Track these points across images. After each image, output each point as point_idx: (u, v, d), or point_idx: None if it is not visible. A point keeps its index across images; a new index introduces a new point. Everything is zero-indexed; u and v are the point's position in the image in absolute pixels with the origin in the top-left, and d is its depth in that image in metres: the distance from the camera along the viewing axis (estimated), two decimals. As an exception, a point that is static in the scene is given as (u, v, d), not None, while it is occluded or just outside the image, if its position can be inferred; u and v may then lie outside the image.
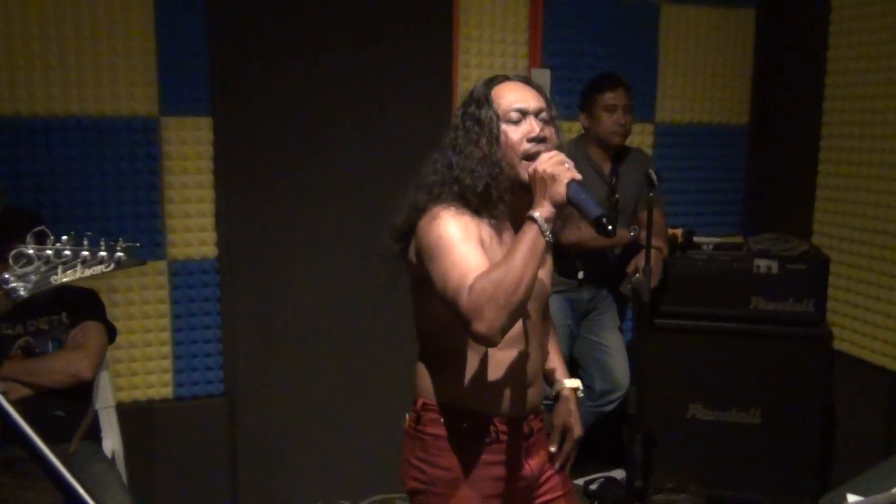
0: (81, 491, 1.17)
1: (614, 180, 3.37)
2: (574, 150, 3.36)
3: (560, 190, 1.60)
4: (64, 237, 1.43)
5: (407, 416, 1.89)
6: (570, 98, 3.62)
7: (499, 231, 1.76)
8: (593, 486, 3.53)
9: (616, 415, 3.53)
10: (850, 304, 3.57)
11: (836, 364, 3.55)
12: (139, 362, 3.22)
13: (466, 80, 3.55)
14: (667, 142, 3.96)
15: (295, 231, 3.37)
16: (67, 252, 1.41)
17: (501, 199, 1.73)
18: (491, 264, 1.61)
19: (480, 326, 1.53)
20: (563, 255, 2.88)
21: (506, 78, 1.81)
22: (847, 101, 3.59)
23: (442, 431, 1.79)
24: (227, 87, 3.20)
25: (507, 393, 1.79)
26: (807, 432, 3.26)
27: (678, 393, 3.37)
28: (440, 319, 1.74)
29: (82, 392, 2.68)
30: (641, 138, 3.90)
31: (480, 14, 3.56)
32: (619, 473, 3.60)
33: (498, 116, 1.73)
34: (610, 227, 1.57)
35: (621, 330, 3.67)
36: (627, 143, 3.49)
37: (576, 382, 2.02)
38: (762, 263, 3.27)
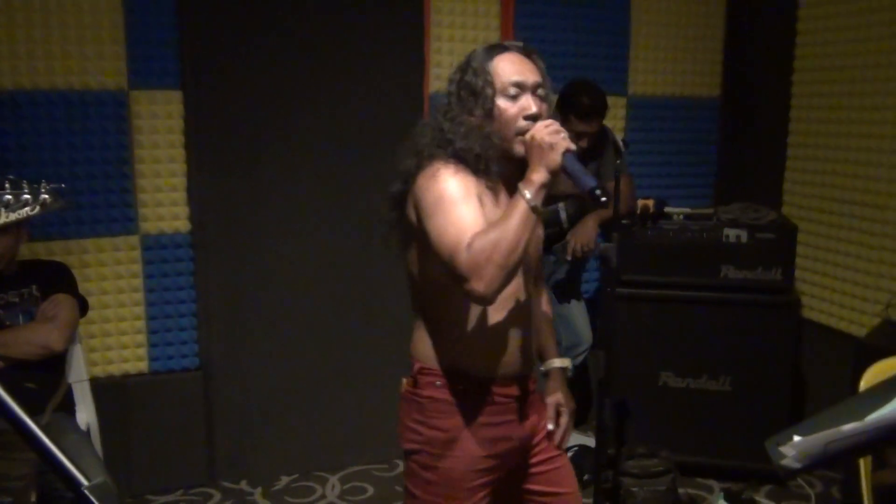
0: (62, 457, 1.16)
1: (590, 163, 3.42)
2: None
3: (556, 158, 1.62)
4: None
5: (404, 380, 1.89)
6: (541, 71, 3.64)
7: (494, 191, 1.77)
8: (567, 455, 3.57)
9: (590, 384, 3.59)
10: (818, 273, 3.63)
11: (804, 331, 3.62)
12: (113, 337, 3.22)
13: (438, 53, 3.56)
14: (639, 114, 3.99)
15: (268, 203, 3.37)
16: None
17: (491, 167, 1.74)
18: (488, 223, 1.64)
19: (478, 285, 1.57)
20: None
21: (505, 48, 1.78)
22: (816, 72, 3.64)
23: (439, 394, 1.81)
24: (198, 60, 3.18)
25: (503, 355, 1.82)
26: (776, 398, 3.31)
27: (650, 361, 3.42)
28: (438, 281, 1.75)
29: (54, 365, 2.67)
30: (614, 111, 3.92)
31: (452, -13, 3.57)
32: (592, 441, 3.65)
33: (494, 89, 1.72)
34: (604, 199, 1.63)
35: (582, 292, 3.79)
36: None
37: (566, 361, 2.09)
38: (731, 233, 3.32)
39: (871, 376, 2.29)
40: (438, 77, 3.56)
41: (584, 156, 3.40)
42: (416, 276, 1.85)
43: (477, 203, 1.68)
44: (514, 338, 1.83)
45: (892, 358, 2.37)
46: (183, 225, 3.26)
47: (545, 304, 2.12)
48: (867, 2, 3.33)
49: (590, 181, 1.63)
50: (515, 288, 1.80)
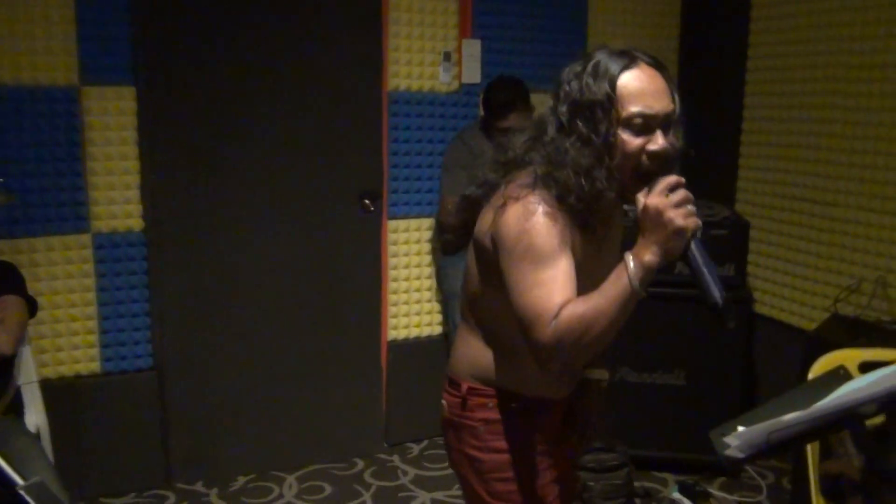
0: (2, 463, 1.13)
1: None
2: (477, 131, 3.41)
3: (680, 246, 1.37)
4: None
5: (444, 402, 1.74)
6: (500, 69, 3.66)
7: (586, 226, 1.52)
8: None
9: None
10: (769, 269, 3.70)
11: (756, 325, 3.69)
12: (64, 337, 3.16)
13: (396, 50, 3.55)
14: (596, 112, 4.02)
15: (224, 201, 3.34)
16: None
17: (599, 213, 1.50)
18: (582, 298, 1.42)
19: (554, 362, 1.44)
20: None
21: (636, 62, 1.49)
22: (768, 72, 3.71)
23: (492, 415, 1.67)
24: (151, 56, 3.14)
25: (559, 381, 1.72)
26: (729, 391, 3.37)
27: (607, 356, 3.44)
28: (500, 310, 1.57)
29: (2, 367, 2.61)
30: (571, 109, 3.96)
31: (410, -16, 3.57)
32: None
33: (619, 116, 1.45)
34: (731, 325, 1.37)
35: None
36: None
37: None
38: (686, 229, 3.36)
39: (819, 368, 2.35)
40: (396, 74, 3.56)
41: None
42: (478, 292, 1.66)
43: (570, 260, 1.46)
44: (573, 366, 1.69)
45: (840, 351, 2.43)
46: (136, 223, 3.21)
47: None
48: (819, 3, 3.40)
49: (716, 292, 1.34)
50: None
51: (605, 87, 1.46)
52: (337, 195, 3.50)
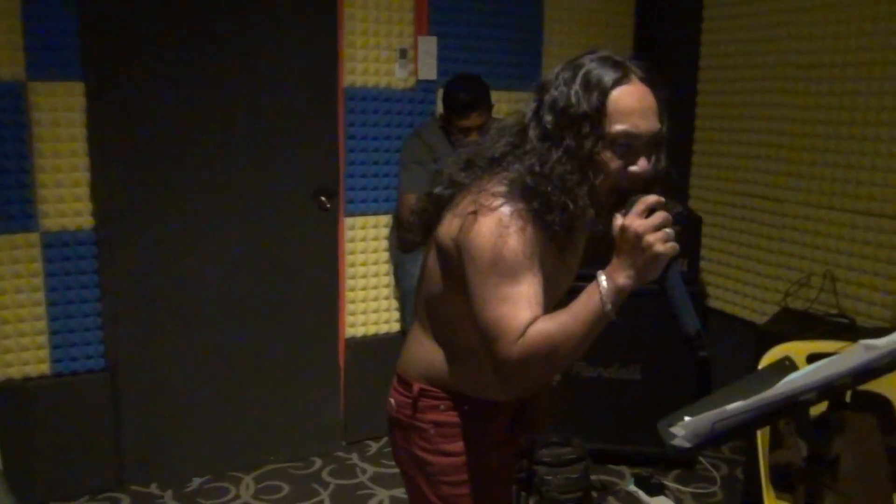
0: None
1: None
2: (435, 130, 3.41)
3: (656, 272, 1.34)
4: None
5: (393, 401, 1.71)
6: (456, 66, 3.66)
7: (557, 238, 1.47)
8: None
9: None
10: (721, 263, 3.77)
11: (709, 319, 3.75)
12: (12, 339, 3.09)
13: (352, 46, 3.53)
14: (552, 110, 4.04)
15: (176, 198, 3.29)
16: None
17: (576, 228, 1.46)
18: (550, 315, 1.39)
19: (515, 380, 1.43)
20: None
21: (629, 76, 1.44)
22: (720, 70, 3.77)
23: (444, 417, 1.64)
24: (101, 51, 3.08)
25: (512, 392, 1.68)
26: (684, 385, 3.41)
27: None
28: (457, 314, 1.54)
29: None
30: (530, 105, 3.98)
31: (365, -20, 3.55)
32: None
33: (603, 135, 1.40)
34: (702, 354, 1.35)
35: None
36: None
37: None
38: (640, 225, 3.40)
39: (768, 361, 2.40)
40: (352, 71, 3.54)
41: None
42: (437, 294, 1.60)
43: (539, 275, 1.42)
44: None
45: (789, 343, 2.49)
46: (86, 221, 3.15)
47: None
48: (769, 3, 3.46)
49: (691, 322, 1.33)
50: None
51: (596, 100, 1.40)
52: (293, 192, 3.47)
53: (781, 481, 2.22)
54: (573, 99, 1.41)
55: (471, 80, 3.35)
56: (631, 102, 1.41)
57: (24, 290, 3.08)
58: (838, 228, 3.16)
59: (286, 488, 3.37)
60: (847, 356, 1.26)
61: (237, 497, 3.30)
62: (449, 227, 1.52)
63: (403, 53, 3.67)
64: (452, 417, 1.63)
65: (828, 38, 3.18)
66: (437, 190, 1.60)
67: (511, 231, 1.40)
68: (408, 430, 1.68)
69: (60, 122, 3.06)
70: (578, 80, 1.43)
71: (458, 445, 1.64)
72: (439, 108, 3.67)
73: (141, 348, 3.30)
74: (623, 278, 1.34)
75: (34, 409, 3.14)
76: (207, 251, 3.36)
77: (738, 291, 3.66)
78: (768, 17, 3.47)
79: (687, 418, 1.29)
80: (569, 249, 1.52)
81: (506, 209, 1.42)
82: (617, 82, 1.42)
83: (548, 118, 1.44)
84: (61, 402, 3.19)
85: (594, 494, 3.27)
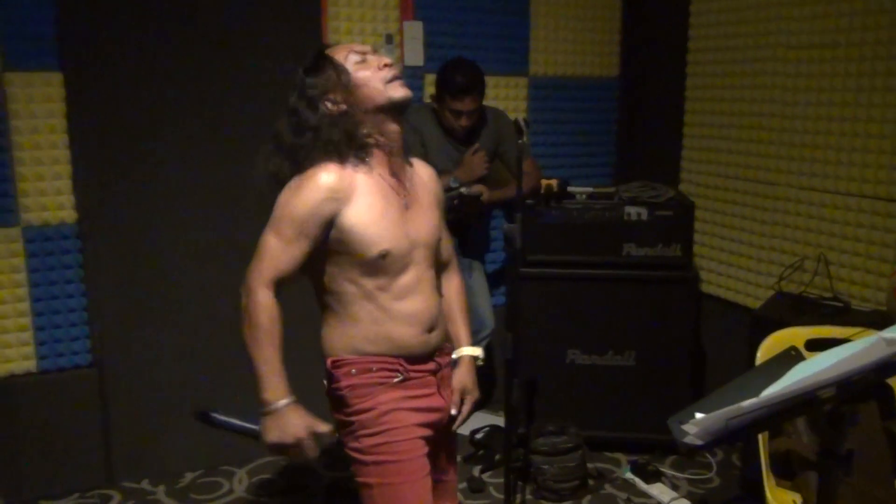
0: None
1: (476, 142, 3.40)
2: (425, 117, 3.37)
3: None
4: None
5: (324, 382, 1.92)
6: (443, 52, 3.61)
7: (374, 175, 1.83)
8: (479, 436, 3.59)
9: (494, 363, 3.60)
10: (714, 248, 3.74)
11: (703, 304, 3.74)
12: (-4, 336, 3.03)
13: (336, 32, 3.47)
14: (540, 94, 4.01)
15: (160, 191, 3.22)
16: None
17: (368, 144, 1.81)
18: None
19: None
20: None
21: (327, 45, 1.93)
22: (709, 53, 3.73)
23: (356, 381, 1.84)
24: (79, 39, 2.99)
25: (408, 338, 1.86)
26: (678, 371, 3.41)
27: (557, 339, 3.45)
28: (331, 273, 1.82)
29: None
30: (516, 91, 3.94)
31: (350, -35, 3.48)
32: (503, 422, 3.67)
33: (342, 67, 1.81)
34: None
35: (486, 273, 3.79)
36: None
37: (476, 350, 2.11)
38: (633, 211, 3.37)
39: (767, 347, 2.37)
40: (338, 57, 3.47)
41: (465, 135, 3.39)
42: (315, 271, 1.87)
43: (300, 240, 1.79)
44: (417, 321, 1.87)
45: (786, 329, 2.46)
46: (69, 215, 3.08)
47: (456, 291, 2.13)
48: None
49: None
50: (415, 273, 1.85)
51: (316, 63, 1.91)
52: (277, 183, 3.40)
53: (782, 468, 2.21)
54: (303, 91, 1.93)
55: (469, 64, 3.33)
56: (342, 46, 1.92)
57: (6, 287, 3.02)
58: (832, 211, 3.14)
59: (280, 482, 3.33)
60: (867, 351, 1.23)
61: (230, 491, 3.26)
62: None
63: (389, 39, 3.60)
64: (364, 379, 1.83)
65: (818, 18, 3.15)
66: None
67: (302, 185, 1.84)
68: (334, 402, 1.89)
69: (39, 113, 2.98)
70: (298, 91, 1.96)
71: (374, 401, 1.83)
72: (426, 93, 3.62)
73: (128, 342, 3.25)
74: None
75: (21, 407, 3.09)
76: (193, 243, 3.30)
77: (732, 276, 3.64)
78: (758, -2, 3.43)
79: (699, 415, 1.26)
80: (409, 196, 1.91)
81: (311, 169, 1.84)
82: (324, 50, 1.93)
83: (302, 110, 1.92)
84: (48, 398, 3.14)
85: (591, 482, 3.26)
